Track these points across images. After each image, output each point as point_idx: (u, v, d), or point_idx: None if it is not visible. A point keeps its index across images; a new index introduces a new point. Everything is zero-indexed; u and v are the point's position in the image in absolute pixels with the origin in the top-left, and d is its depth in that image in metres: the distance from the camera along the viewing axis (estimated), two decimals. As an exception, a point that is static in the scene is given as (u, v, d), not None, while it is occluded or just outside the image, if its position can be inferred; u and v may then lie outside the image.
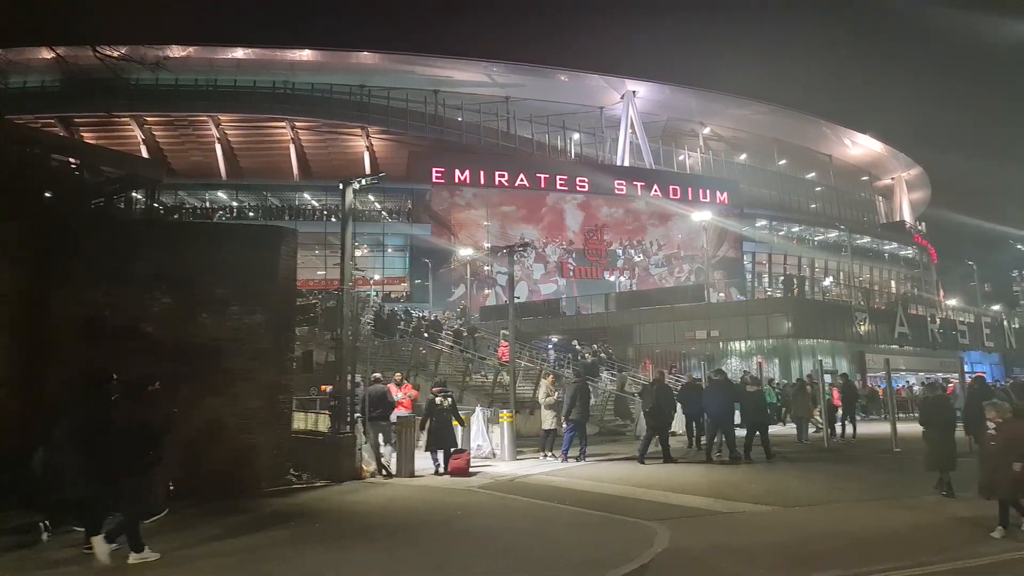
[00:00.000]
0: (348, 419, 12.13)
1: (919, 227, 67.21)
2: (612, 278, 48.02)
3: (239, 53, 48.07)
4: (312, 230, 42.34)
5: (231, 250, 11.46)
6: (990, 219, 58.14)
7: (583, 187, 48.53)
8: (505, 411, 15.06)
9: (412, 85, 50.08)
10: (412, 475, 12.29)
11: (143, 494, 7.27)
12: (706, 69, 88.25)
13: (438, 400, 12.99)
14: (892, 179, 68.26)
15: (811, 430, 19.03)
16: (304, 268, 41.40)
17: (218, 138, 48.05)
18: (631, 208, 50.25)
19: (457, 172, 46.75)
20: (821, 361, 20.80)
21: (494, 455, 14.85)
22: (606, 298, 36.56)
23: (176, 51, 47.63)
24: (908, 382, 32.16)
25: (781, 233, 56.15)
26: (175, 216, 36.86)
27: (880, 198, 69.07)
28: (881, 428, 19.68)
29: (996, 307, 57.57)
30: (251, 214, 45.57)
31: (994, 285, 66.47)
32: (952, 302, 53.24)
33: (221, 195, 47.94)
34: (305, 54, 48.55)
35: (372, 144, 49.48)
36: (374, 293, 44.38)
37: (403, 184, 46.90)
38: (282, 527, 8.58)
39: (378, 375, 14.26)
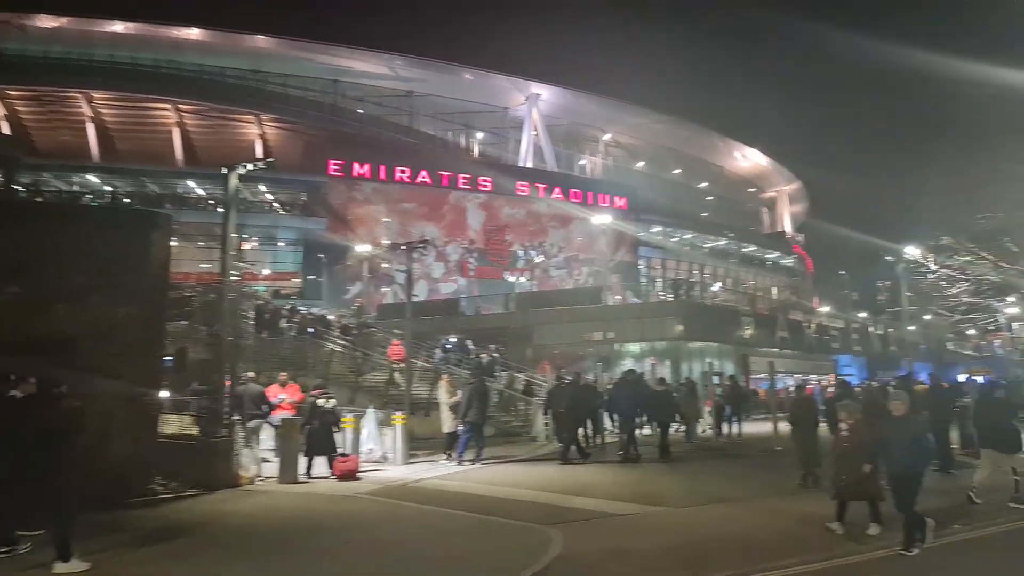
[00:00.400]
0: (225, 421, 11.17)
1: (798, 238, 71.61)
2: (513, 279, 48.06)
3: (118, 27, 44.67)
4: (196, 220, 40.11)
5: (91, 234, 10.25)
6: (861, 232, 62.56)
7: (486, 187, 48.31)
8: (399, 413, 14.46)
9: (310, 73, 48.27)
10: (295, 481, 11.50)
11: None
12: (609, 77, 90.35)
13: (319, 402, 12.27)
14: (775, 192, 72.36)
15: (699, 430, 19.57)
16: (186, 260, 39.58)
17: (91, 117, 44.41)
18: (533, 210, 50.53)
19: (356, 166, 45.35)
20: (712, 363, 21.43)
21: (386, 459, 14.20)
22: (506, 298, 36.42)
23: (46, 21, 43.72)
24: (786, 384, 33.91)
25: (674, 239, 58.18)
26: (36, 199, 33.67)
27: (765, 209, 73.05)
28: (764, 427, 20.47)
29: (863, 314, 62.05)
30: (127, 200, 42.33)
31: (862, 294, 71.48)
32: (825, 309, 56.87)
33: (92, 179, 44.27)
34: (193, 33, 45.70)
35: (265, 132, 47.22)
36: (263, 289, 42.36)
37: (298, 176, 45.02)
38: (137, 544, 7.69)
39: (252, 374, 13.45)
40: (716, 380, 25.21)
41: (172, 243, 11.65)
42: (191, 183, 44.12)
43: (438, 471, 13.21)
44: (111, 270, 10.17)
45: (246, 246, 45.16)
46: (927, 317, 69.25)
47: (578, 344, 29.93)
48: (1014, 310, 22.81)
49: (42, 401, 7.25)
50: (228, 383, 12.46)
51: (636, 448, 14.96)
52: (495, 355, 23.86)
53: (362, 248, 39.11)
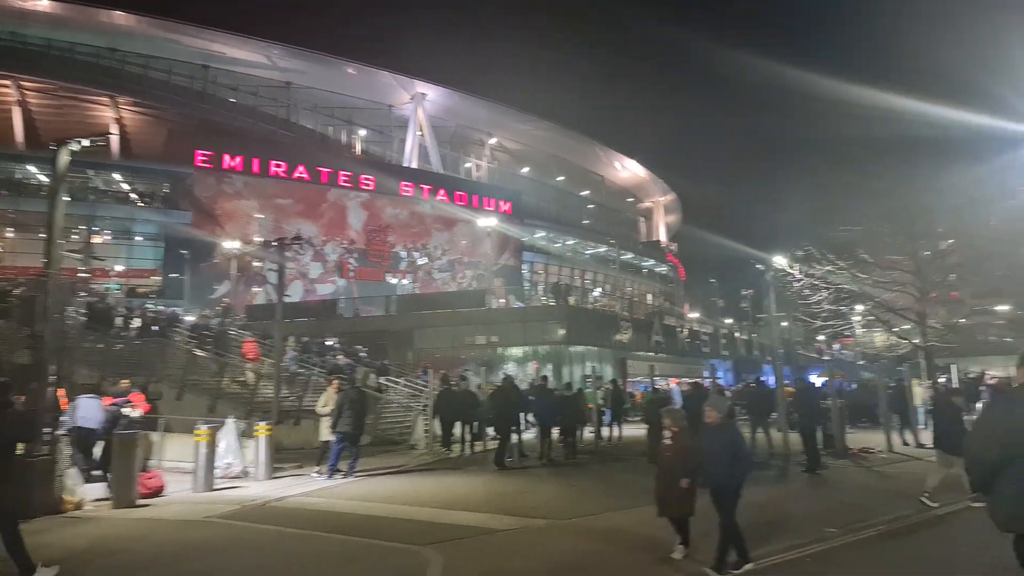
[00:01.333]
0: (46, 438, 9.51)
1: (672, 247, 74.80)
2: (394, 281, 46.73)
3: (-52, -10, 39.48)
4: (38, 209, 35.88)
5: None
6: (731, 241, 66.45)
7: (368, 185, 46.71)
8: (263, 423, 13.14)
9: (177, 56, 44.84)
10: (132, 505, 10.01)
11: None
12: (496, 82, 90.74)
13: (124, 410, 10.88)
14: (652, 202, 75.22)
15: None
16: (25, 254, 35.38)
17: (-87, 90, 38.96)
18: (417, 211, 49.43)
19: (227, 157, 42.46)
20: (594, 368, 21.42)
21: (247, 474, 12.86)
22: (387, 300, 35.22)
23: None
24: (644, 387, 34.95)
25: (557, 245, 58.92)
26: None
27: (642, 218, 75.74)
28: (641, 430, 20.62)
29: (729, 320, 65.58)
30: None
31: (728, 301, 75.79)
32: (695, 315, 59.58)
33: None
34: (41, 3, 41.10)
35: (123, 117, 43.31)
36: (116, 287, 38.72)
37: (160, 165, 41.63)
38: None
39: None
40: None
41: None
42: (32, 168, 39.54)
43: (306, 487, 12.02)
44: None
45: (98, 239, 41.12)
46: (784, 324, 74.50)
47: (461, 348, 29.31)
48: (858, 318, 24.76)
49: None
50: (62, 392, 10.84)
51: (522, 453, 14.90)
52: (362, 355, 22.67)
53: (231, 245, 36.45)
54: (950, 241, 18.70)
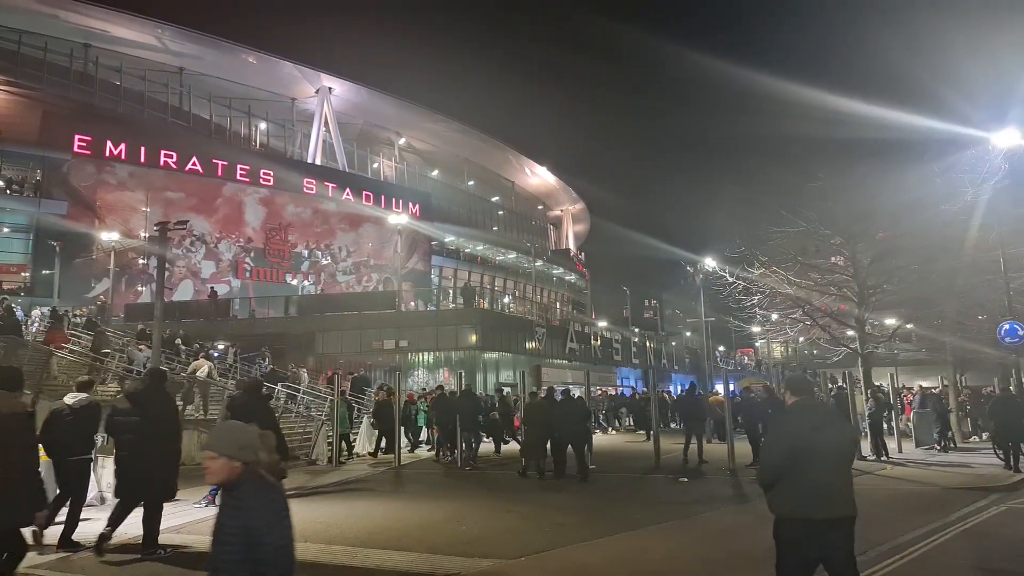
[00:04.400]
0: None
1: (580, 255, 75.54)
2: (295, 282, 44.29)
3: None
4: None
5: None
6: (650, 245, 67.98)
7: (267, 181, 44.14)
8: None
9: (54, 33, 40.76)
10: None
11: None
12: (406, 81, 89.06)
13: None
14: (561, 211, 75.71)
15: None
16: None
17: None
18: (320, 210, 47.19)
19: (109, 144, 38.96)
20: (518, 375, 20.50)
21: (103, 500, 10.02)
22: (286, 301, 33.05)
23: None
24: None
25: (467, 250, 57.97)
26: None
27: (551, 227, 76.05)
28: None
29: (636, 329, 66.76)
30: None
31: (635, 310, 77.24)
32: (603, 323, 60.15)
33: None
34: None
35: (-10, 95, 38.94)
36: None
37: (32, 150, 37.67)
38: None
39: None
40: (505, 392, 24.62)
41: None
42: None
43: (179, 518, 9.39)
44: None
45: (-46, 229, 36.75)
46: (688, 333, 76.65)
47: (367, 353, 27.76)
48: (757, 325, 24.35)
49: None
50: None
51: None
52: (216, 352, 20.90)
53: (111, 238, 33.22)
54: (886, 241, 18.61)
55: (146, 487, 7.60)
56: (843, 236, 18.54)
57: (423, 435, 19.74)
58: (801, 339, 29.65)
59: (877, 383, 19.02)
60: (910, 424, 19.49)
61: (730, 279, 20.29)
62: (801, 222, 18.75)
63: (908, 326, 20.56)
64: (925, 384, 21.96)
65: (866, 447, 15.93)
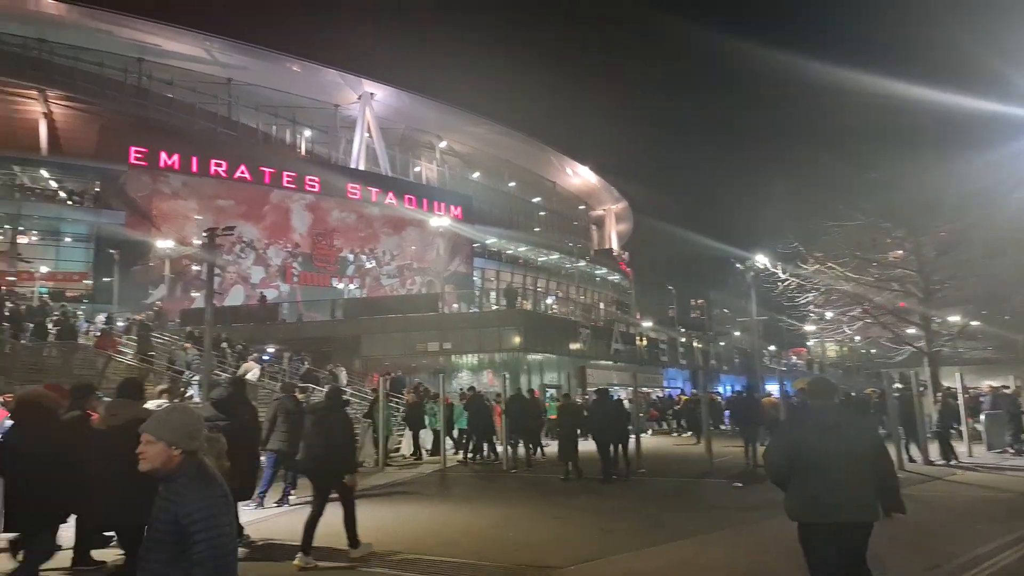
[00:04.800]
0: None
1: (623, 255, 74.72)
2: (341, 286, 44.87)
3: None
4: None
5: None
6: (700, 242, 66.95)
7: (313, 187, 44.85)
8: None
9: (110, 48, 42.19)
10: None
11: None
12: (447, 84, 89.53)
13: None
14: (604, 210, 75.04)
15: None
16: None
17: None
18: (365, 214, 47.73)
19: (163, 155, 40.11)
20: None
21: None
22: (332, 304, 33.42)
23: None
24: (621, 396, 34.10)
25: (509, 252, 57.90)
26: None
27: (594, 227, 75.45)
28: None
29: (682, 329, 65.72)
30: None
31: (679, 311, 76.13)
32: (647, 324, 59.36)
33: None
34: (-39, -12, 38.11)
35: (52, 111, 40.62)
36: (44, 290, 36.05)
37: (91, 162, 39.12)
38: None
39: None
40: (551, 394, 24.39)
41: None
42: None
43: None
44: None
45: (23, 240, 38.33)
46: (737, 333, 75.09)
47: (411, 355, 27.84)
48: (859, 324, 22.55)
49: None
50: None
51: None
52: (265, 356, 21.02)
53: (165, 246, 34.16)
54: (952, 233, 17.28)
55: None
56: (906, 228, 17.51)
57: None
58: (857, 338, 28.56)
59: (946, 384, 17.96)
60: (978, 427, 18.51)
61: (783, 276, 19.48)
62: (859, 215, 17.77)
63: (974, 323, 19.40)
64: (995, 384, 20.78)
65: (934, 451, 15.14)
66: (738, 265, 22.32)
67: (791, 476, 4.37)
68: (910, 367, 18.60)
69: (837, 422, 4.41)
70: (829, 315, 23.22)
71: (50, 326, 17.14)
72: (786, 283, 19.46)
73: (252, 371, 18.39)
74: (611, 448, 13.41)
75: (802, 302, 19.57)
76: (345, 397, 9.95)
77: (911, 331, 19.21)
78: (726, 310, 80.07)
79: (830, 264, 18.47)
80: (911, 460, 14.75)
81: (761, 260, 20.93)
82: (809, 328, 29.70)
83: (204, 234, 17.49)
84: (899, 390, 19.17)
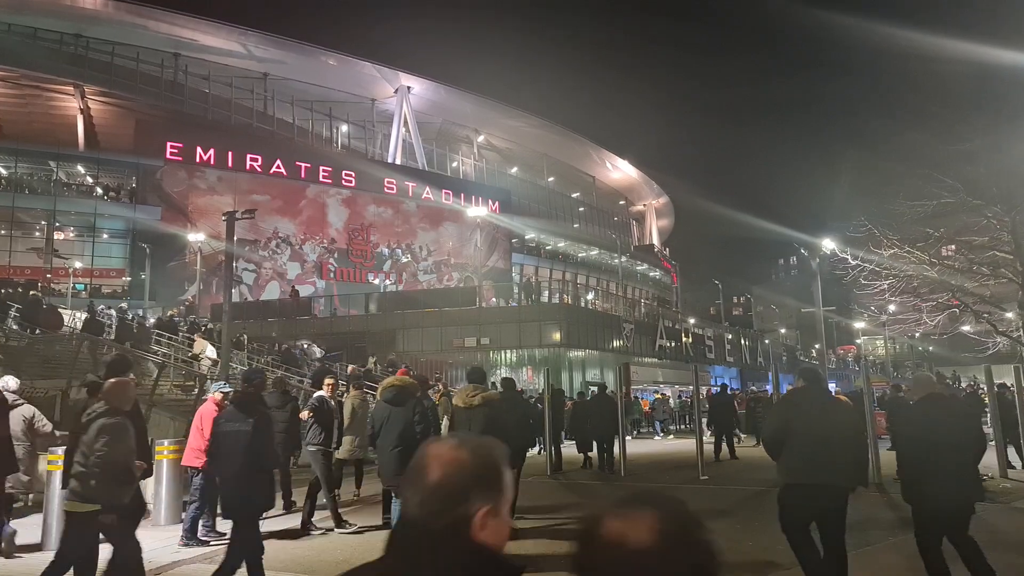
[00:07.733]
0: None
1: (664, 251, 72.78)
2: (377, 281, 44.14)
3: None
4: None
5: None
6: (723, 249, 64.82)
7: (350, 182, 44.20)
8: (166, 441, 9.11)
9: (146, 43, 42.11)
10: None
11: None
12: (484, 77, 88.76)
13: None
14: (644, 206, 73.20)
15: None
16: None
17: None
18: (401, 209, 46.94)
19: (199, 150, 39.89)
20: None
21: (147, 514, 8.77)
22: (367, 298, 32.56)
23: None
24: (664, 394, 32.51)
25: (548, 247, 56.58)
26: None
27: (634, 222, 73.67)
28: (656, 446, 18.04)
29: (727, 324, 63.56)
30: None
31: (719, 308, 73.98)
32: (691, 320, 57.41)
33: None
34: (0, -16, 38.33)
35: (89, 107, 40.68)
36: (81, 286, 36.10)
37: (128, 157, 39.03)
38: None
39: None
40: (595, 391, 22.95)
41: None
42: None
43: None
44: None
45: (60, 236, 38.49)
46: (783, 330, 72.46)
47: (448, 351, 26.77)
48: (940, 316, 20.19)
49: None
50: None
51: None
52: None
53: (196, 238, 33.74)
54: None
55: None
56: (1003, 205, 15.59)
57: None
58: (918, 333, 26.48)
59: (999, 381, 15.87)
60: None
61: (852, 261, 17.68)
62: (945, 192, 15.90)
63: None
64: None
65: (1015, 457, 13.11)
66: (803, 251, 20.56)
67: (783, 447, 5.01)
68: (1008, 362, 16.63)
69: (824, 404, 5.14)
70: (892, 308, 21.31)
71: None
72: (858, 269, 17.61)
73: (207, 350, 17.68)
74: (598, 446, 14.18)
75: (876, 290, 17.70)
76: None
77: (1008, 315, 17.22)
78: (772, 306, 77.37)
79: (908, 248, 16.66)
80: (1010, 466, 12.78)
81: (828, 245, 19.20)
82: (858, 325, 27.54)
83: (223, 218, 16.63)
84: (968, 389, 17.29)
